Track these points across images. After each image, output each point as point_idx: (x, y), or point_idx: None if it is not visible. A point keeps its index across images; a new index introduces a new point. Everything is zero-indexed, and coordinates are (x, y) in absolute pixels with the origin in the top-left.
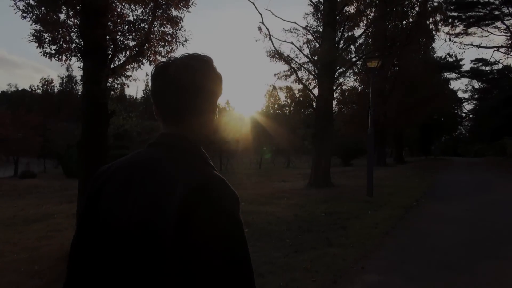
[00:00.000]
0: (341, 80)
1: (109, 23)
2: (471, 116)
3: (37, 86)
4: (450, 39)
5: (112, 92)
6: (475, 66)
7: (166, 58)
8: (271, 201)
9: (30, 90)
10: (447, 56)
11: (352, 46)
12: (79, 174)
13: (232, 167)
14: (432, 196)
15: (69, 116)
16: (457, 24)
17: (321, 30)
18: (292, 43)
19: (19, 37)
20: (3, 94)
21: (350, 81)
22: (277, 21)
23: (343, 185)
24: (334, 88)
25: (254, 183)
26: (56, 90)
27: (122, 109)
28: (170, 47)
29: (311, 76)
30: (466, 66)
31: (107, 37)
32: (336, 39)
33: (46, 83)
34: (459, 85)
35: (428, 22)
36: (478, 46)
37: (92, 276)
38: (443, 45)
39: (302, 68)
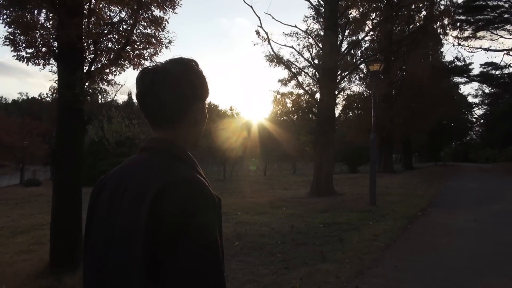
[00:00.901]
0: (343, 84)
1: (86, 23)
2: (481, 121)
3: (46, 94)
4: (458, 43)
5: (89, 98)
6: (484, 70)
7: (150, 61)
8: (268, 210)
9: (39, 98)
10: (455, 60)
11: (358, 51)
12: (54, 186)
13: (237, 174)
14: (438, 205)
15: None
16: (466, 27)
17: (322, 33)
18: (292, 47)
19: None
20: (14, 102)
21: (355, 86)
22: (276, 25)
23: (346, 193)
24: (337, 93)
25: (255, 191)
26: None
27: (125, 116)
28: (154, 50)
29: (312, 81)
30: (476, 70)
31: (86, 39)
32: (338, 42)
33: (55, 91)
34: (469, 90)
35: (435, 26)
36: (487, 50)
37: (94, 280)
38: (450, 48)
39: (303, 72)
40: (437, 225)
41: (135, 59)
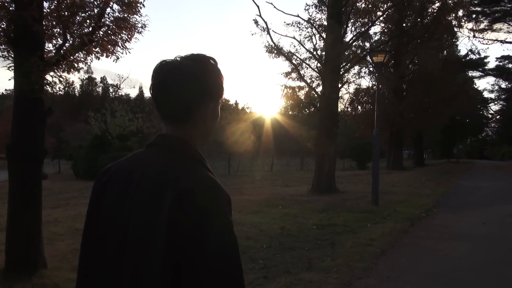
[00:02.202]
0: (347, 77)
1: (48, 5)
2: (498, 117)
3: (59, 88)
4: (474, 36)
5: (49, 88)
6: (500, 64)
7: (122, 47)
8: (262, 209)
9: (52, 91)
10: (469, 52)
11: (366, 43)
12: (10, 185)
13: (244, 169)
14: (446, 206)
15: (88, 117)
16: (481, 19)
17: (325, 23)
18: (294, 37)
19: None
20: None
21: (364, 80)
22: (277, 15)
23: (349, 191)
24: (340, 85)
25: (255, 188)
26: (76, 92)
27: (129, 109)
28: (128, 35)
29: (314, 73)
30: (491, 63)
31: (49, 22)
32: (342, 32)
33: (67, 85)
34: (485, 85)
35: (449, 18)
36: (503, 42)
37: (96, 272)
38: (464, 40)
39: (304, 64)
40: (442, 228)
41: (108, 46)
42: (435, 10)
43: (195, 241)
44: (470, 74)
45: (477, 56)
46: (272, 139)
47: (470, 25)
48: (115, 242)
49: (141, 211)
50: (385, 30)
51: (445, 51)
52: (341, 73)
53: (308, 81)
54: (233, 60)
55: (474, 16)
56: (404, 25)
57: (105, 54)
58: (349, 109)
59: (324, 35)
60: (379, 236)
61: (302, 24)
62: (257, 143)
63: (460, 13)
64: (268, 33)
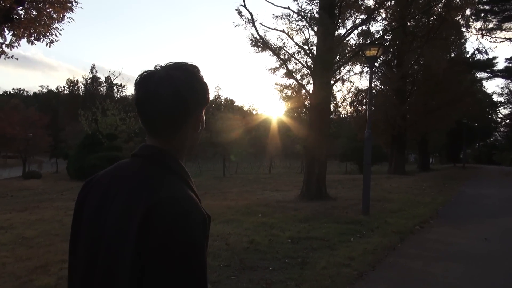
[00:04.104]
0: (342, 73)
1: None
2: (507, 121)
3: (63, 87)
4: (482, 35)
5: None
6: (510, 65)
7: (48, 29)
8: (238, 218)
9: (57, 91)
10: (476, 51)
11: (367, 41)
12: None
13: (243, 171)
14: (444, 217)
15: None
16: (490, 18)
17: (317, 16)
18: (283, 31)
19: (56, 40)
20: (34, 95)
21: (365, 80)
22: (265, 6)
23: (341, 197)
24: (332, 83)
25: (243, 192)
26: (80, 92)
27: (121, 108)
28: (57, 13)
29: (304, 70)
30: (500, 64)
31: None
32: (335, 26)
33: (71, 84)
34: (494, 88)
35: (457, 18)
36: None
37: (80, 280)
38: (471, 39)
39: (293, 59)
40: (436, 244)
41: (32, 25)
42: (440, 8)
43: (158, 258)
44: (478, 76)
45: (485, 55)
46: (276, 141)
47: (478, 24)
48: (91, 251)
49: (115, 220)
50: (388, 28)
51: (452, 53)
52: (333, 69)
53: (298, 78)
54: (239, 61)
55: (482, 15)
56: (408, 23)
57: (33, 36)
58: (342, 110)
59: (316, 28)
60: (360, 254)
61: (292, 16)
62: (258, 145)
63: (468, 12)
64: (254, 25)
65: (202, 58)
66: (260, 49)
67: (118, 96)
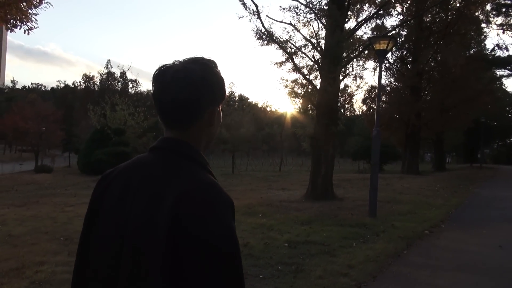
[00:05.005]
0: (354, 67)
1: None
2: None
3: (79, 82)
4: (503, 31)
5: None
6: None
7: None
8: (237, 218)
9: (73, 86)
10: (496, 47)
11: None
12: None
13: (253, 169)
14: (457, 220)
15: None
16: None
17: (325, 8)
18: (291, 23)
19: (74, 35)
20: (52, 90)
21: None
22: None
23: (349, 197)
24: (341, 78)
25: (248, 190)
26: (96, 87)
27: (131, 103)
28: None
29: (311, 64)
30: None
31: None
32: (345, 19)
33: (87, 79)
34: None
35: (476, 14)
36: None
37: (92, 275)
38: (490, 34)
39: (300, 53)
40: (445, 252)
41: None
42: (459, 3)
43: (195, 244)
44: (497, 73)
45: (505, 52)
46: (290, 138)
47: (499, 19)
48: (113, 249)
49: (140, 213)
50: (403, 24)
51: (471, 50)
52: (342, 64)
53: (305, 72)
54: (254, 56)
55: (504, 10)
56: (425, 18)
57: (11, 23)
58: (356, 107)
59: (324, 20)
60: (361, 261)
61: (300, 9)
62: (271, 142)
63: (488, 7)
64: (259, 17)
65: (218, 54)
66: (265, 42)
67: (133, 91)
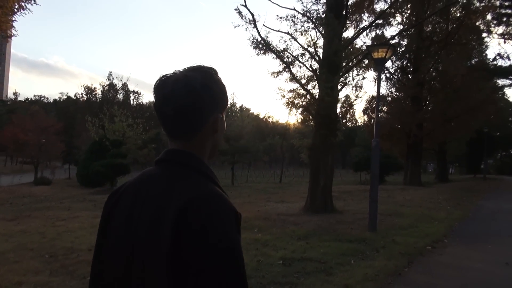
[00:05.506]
0: (354, 77)
1: None
2: None
3: (81, 94)
4: (504, 41)
5: None
6: None
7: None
8: None
9: (75, 98)
10: (497, 56)
11: None
12: None
13: (254, 180)
14: (460, 235)
15: (86, 122)
16: None
17: (323, 16)
18: (287, 32)
19: (77, 48)
20: (54, 102)
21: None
22: (269, 7)
23: (349, 210)
24: (340, 87)
25: (245, 203)
26: (97, 99)
27: (129, 115)
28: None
29: (308, 73)
30: None
31: None
32: (342, 28)
33: (89, 91)
34: None
35: (477, 23)
36: None
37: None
38: (492, 44)
39: (297, 62)
40: (449, 270)
41: None
42: (459, 12)
43: (198, 255)
44: (499, 83)
45: (507, 61)
46: (291, 149)
47: (500, 29)
48: (122, 264)
49: (144, 229)
50: (403, 33)
51: (473, 60)
52: (340, 73)
53: (303, 82)
54: (255, 67)
55: (504, 19)
56: (425, 28)
57: None
58: (365, 119)
59: (322, 29)
60: (359, 281)
61: (297, 17)
62: (272, 153)
63: (489, 16)
64: (255, 25)
65: (220, 65)
66: (262, 51)
67: (134, 103)
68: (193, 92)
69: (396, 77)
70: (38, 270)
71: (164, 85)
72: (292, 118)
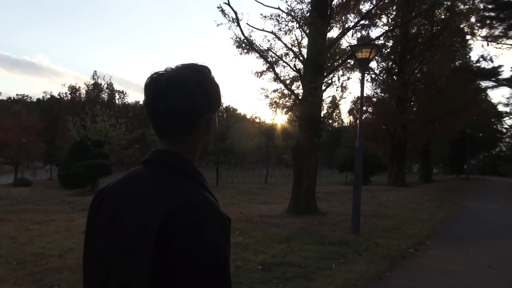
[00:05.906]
0: (334, 79)
1: None
2: None
3: (65, 93)
4: (487, 43)
5: None
6: None
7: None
8: None
9: (59, 97)
10: (481, 58)
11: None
12: None
13: (239, 181)
14: (443, 237)
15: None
16: (496, 25)
17: (307, 15)
18: (272, 32)
19: (62, 47)
20: (38, 101)
21: (366, 88)
22: (253, 6)
23: (332, 212)
24: (324, 88)
25: (228, 205)
26: (81, 98)
27: (112, 114)
28: None
29: (293, 73)
30: (506, 73)
31: None
32: (327, 27)
33: (73, 90)
34: (500, 98)
35: (461, 26)
36: None
37: None
38: (476, 46)
39: (281, 61)
40: (431, 273)
41: None
42: (444, 15)
43: (180, 265)
44: (482, 85)
45: (490, 63)
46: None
47: (483, 31)
48: (104, 265)
49: (129, 229)
50: (389, 35)
51: (457, 62)
52: (325, 74)
53: (287, 82)
54: (243, 68)
55: (488, 22)
56: (410, 29)
57: None
58: (351, 120)
59: (306, 29)
60: (340, 286)
61: (281, 17)
62: (259, 154)
63: (473, 19)
64: (238, 24)
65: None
66: (245, 51)
67: (120, 103)
68: (187, 91)
69: (381, 78)
70: (3, 278)
71: (156, 83)
72: (278, 118)
